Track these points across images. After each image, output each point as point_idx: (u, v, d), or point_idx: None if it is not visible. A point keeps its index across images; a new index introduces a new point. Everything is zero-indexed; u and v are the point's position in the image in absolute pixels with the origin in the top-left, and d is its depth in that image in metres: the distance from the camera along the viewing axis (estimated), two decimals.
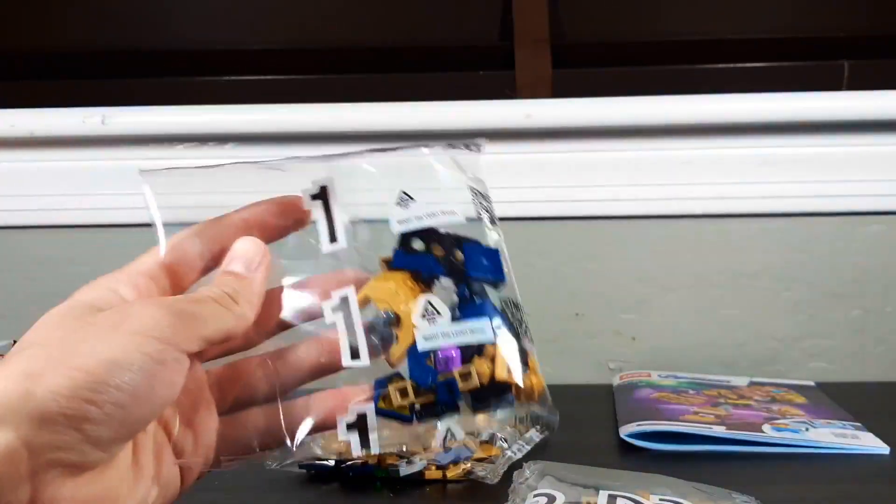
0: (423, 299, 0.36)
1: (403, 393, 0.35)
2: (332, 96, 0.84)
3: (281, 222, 0.38)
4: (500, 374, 0.35)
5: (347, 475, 0.51)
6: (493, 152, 0.88)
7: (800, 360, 0.83)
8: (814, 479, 0.52)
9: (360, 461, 0.51)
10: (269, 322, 0.37)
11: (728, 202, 0.82)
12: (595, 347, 0.84)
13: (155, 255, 0.36)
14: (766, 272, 0.83)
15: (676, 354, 0.83)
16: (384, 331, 0.36)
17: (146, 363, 0.30)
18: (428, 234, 0.38)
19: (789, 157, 0.81)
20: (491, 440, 0.52)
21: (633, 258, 0.83)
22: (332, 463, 0.51)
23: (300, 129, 0.81)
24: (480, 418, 0.54)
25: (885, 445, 0.56)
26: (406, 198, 0.38)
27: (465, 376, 0.35)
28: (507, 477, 0.45)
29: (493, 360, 0.35)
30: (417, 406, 0.35)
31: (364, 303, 0.37)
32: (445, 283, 0.37)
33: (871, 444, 0.57)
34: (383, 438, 0.35)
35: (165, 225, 0.37)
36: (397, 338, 0.36)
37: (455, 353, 0.36)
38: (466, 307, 0.36)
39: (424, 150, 0.38)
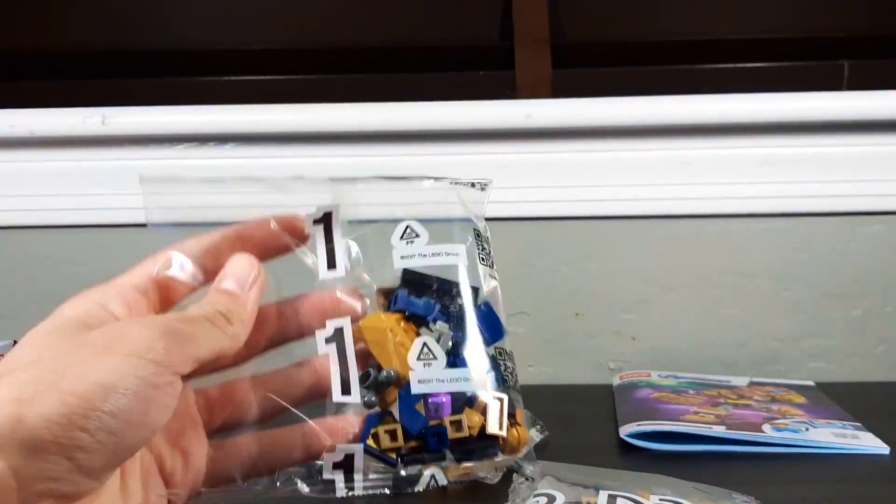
0: (420, 342, 0.35)
1: (393, 436, 0.35)
2: (332, 96, 0.84)
3: (278, 241, 0.37)
4: (491, 428, 0.35)
5: None
6: (493, 152, 0.88)
7: (800, 360, 0.83)
8: (814, 479, 0.52)
9: None
10: (260, 341, 0.36)
11: (728, 202, 0.82)
12: (595, 347, 0.84)
13: (146, 269, 0.35)
14: (766, 272, 0.83)
15: (676, 354, 0.83)
16: (381, 384, 0.36)
17: (140, 387, 0.29)
18: (431, 280, 0.37)
19: (789, 157, 0.81)
20: None
21: (633, 258, 0.83)
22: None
23: (300, 129, 0.81)
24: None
25: (885, 445, 0.56)
26: (411, 233, 0.37)
27: (456, 425, 0.35)
28: (507, 477, 0.45)
29: (483, 411, 0.35)
30: (404, 451, 0.34)
31: (357, 339, 0.36)
32: (441, 326, 0.36)
33: (871, 444, 0.57)
34: (367, 480, 0.35)
35: (161, 231, 0.36)
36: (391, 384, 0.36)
37: (446, 400, 0.35)
38: (460, 357, 0.36)
39: (428, 182, 0.38)
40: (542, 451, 0.55)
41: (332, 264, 0.36)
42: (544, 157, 0.82)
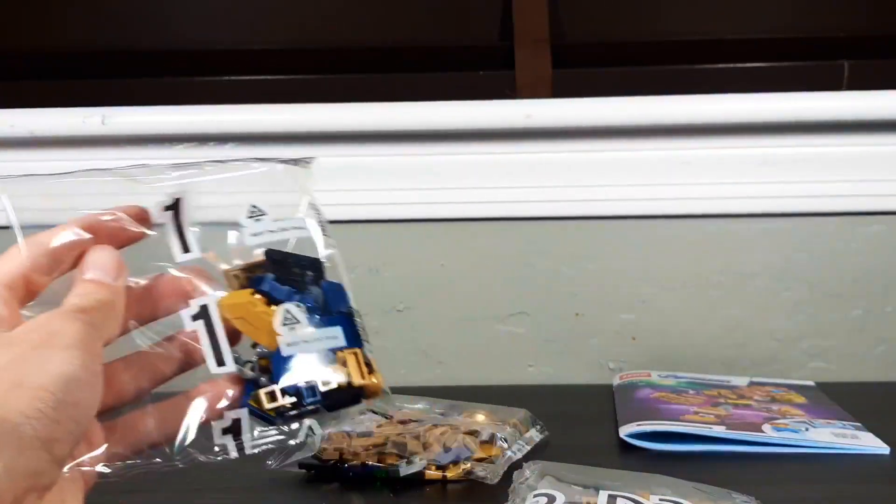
0: (282, 308, 0.38)
1: (272, 396, 0.38)
2: (332, 96, 0.84)
3: (128, 231, 0.38)
4: (355, 379, 0.38)
5: (347, 475, 0.51)
6: (493, 152, 0.89)
7: (800, 360, 0.83)
8: (814, 479, 0.52)
9: (359, 462, 0.51)
10: (125, 325, 0.38)
11: (728, 202, 0.82)
12: (595, 347, 0.84)
13: (12, 264, 0.36)
14: (766, 272, 0.83)
15: (676, 354, 0.83)
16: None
17: (87, 376, 0.31)
18: (290, 260, 0.40)
19: (789, 157, 0.81)
20: (491, 440, 0.52)
21: (633, 258, 0.83)
22: (331, 463, 0.51)
23: (300, 129, 0.81)
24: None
25: (885, 445, 0.56)
26: (257, 211, 0.39)
27: (326, 381, 0.38)
28: (507, 477, 0.45)
29: (344, 364, 0.38)
30: (283, 408, 0.38)
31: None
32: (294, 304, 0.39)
33: (871, 444, 0.57)
34: (254, 440, 0.38)
35: (24, 229, 0.37)
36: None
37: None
38: (319, 317, 0.39)
39: (256, 164, 0.40)
40: (542, 451, 0.55)
41: (186, 248, 0.39)
42: (544, 157, 0.82)
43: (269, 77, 0.97)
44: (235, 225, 0.39)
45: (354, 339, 0.39)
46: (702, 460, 0.55)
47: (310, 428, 0.38)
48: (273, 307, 0.39)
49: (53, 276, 0.37)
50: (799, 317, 0.83)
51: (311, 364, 0.38)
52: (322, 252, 0.40)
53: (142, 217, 0.38)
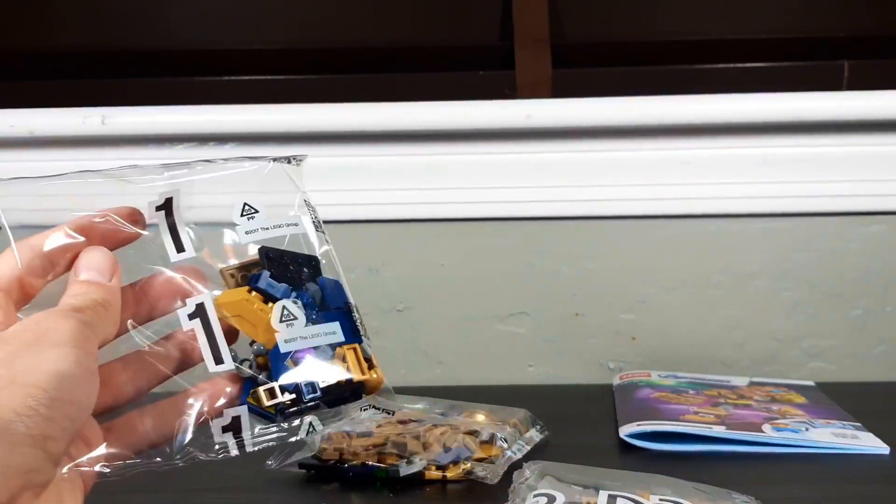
0: (279, 305, 0.38)
1: (271, 394, 0.38)
2: (332, 96, 0.84)
3: (121, 232, 0.38)
4: (355, 374, 0.38)
5: (347, 475, 0.51)
6: (493, 152, 0.89)
7: (800, 360, 0.83)
8: (814, 479, 0.52)
9: (359, 462, 0.51)
10: (122, 325, 0.38)
11: (728, 202, 0.82)
12: (595, 347, 0.84)
13: (7, 267, 0.36)
14: (766, 272, 0.83)
15: (676, 354, 0.83)
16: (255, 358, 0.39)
17: (82, 373, 0.31)
18: (286, 257, 0.40)
19: (789, 157, 0.81)
20: (491, 440, 0.52)
21: (633, 258, 0.83)
22: (331, 463, 0.51)
23: (300, 129, 0.81)
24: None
25: (885, 445, 0.56)
26: (250, 209, 0.40)
27: (325, 377, 0.38)
28: (507, 477, 0.45)
29: (343, 359, 0.38)
30: (282, 405, 0.38)
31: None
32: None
33: (871, 444, 0.57)
34: (255, 437, 0.38)
35: (16, 229, 0.37)
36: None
37: (311, 354, 0.39)
38: (317, 313, 0.39)
39: (247, 163, 0.40)
40: (542, 451, 0.55)
41: (180, 248, 0.39)
42: (544, 157, 0.82)
43: (269, 77, 0.97)
44: (229, 224, 0.39)
45: (353, 334, 0.39)
46: (702, 460, 0.55)
47: (311, 424, 0.38)
48: (270, 305, 0.39)
49: (48, 279, 0.37)
50: (799, 317, 0.83)
51: (310, 360, 0.38)
52: (317, 249, 0.41)
53: (134, 218, 0.38)
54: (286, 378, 0.38)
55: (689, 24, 0.96)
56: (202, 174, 0.39)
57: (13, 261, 0.36)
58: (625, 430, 0.58)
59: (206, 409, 0.37)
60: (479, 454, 0.51)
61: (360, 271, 0.83)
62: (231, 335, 0.38)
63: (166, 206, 0.39)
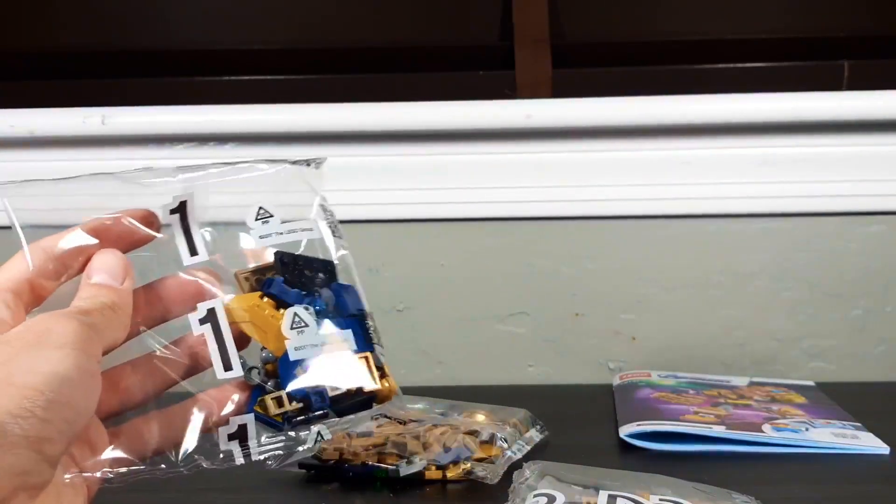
0: (291, 311, 0.38)
1: (279, 402, 0.37)
2: (332, 96, 0.84)
3: (135, 234, 0.38)
4: (367, 385, 0.37)
5: (347, 475, 0.51)
6: (493, 152, 0.88)
7: (800, 360, 0.83)
8: (814, 479, 0.52)
9: (359, 462, 0.51)
10: (133, 328, 0.37)
11: (728, 202, 0.82)
12: (595, 347, 0.84)
13: (18, 269, 0.36)
14: (766, 272, 0.83)
15: (676, 354, 0.83)
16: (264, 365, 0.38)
17: (81, 376, 0.31)
18: (300, 262, 0.39)
19: (789, 157, 0.81)
20: (491, 440, 0.52)
21: (633, 258, 0.83)
22: (331, 463, 0.51)
23: (300, 129, 0.81)
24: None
25: (885, 445, 0.56)
26: (265, 213, 0.39)
27: (335, 386, 0.37)
28: (507, 477, 0.45)
29: (355, 368, 0.38)
30: (290, 414, 0.37)
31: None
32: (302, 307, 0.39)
33: (871, 444, 0.57)
34: (261, 446, 0.37)
35: (28, 229, 0.37)
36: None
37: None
38: (329, 320, 0.39)
39: (263, 165, 0.40)
40: (542, 451, 0.55)
41: (193, 251, 0.38)
42: (544, 157, 0.82)
43: (269, 77, 0.96)
44: (244, 227, 0.39)
45: (366, 342, 0.38)
46: (702, 460, 0.55)
47: (318, 434, 0.37)
48: (282, 311, 0.38)
49: (60, 281, 0.37)
50: (799, 317, 0.83)
51: (320, 369, 0.37)
52: (334, 253, 0.40)
53: (149, 220, 0.38)
54: (294, 386, 0.37)
55: (689, 24, 0.96)
56: (217, 177, 0.39)
57: (24, 263, 0.36)
58: (625, 430, 0.58)
59: (212, 416, 0.37)
60: (479, 454, 0.51)
61: (361, 271, 0.83)
62: (242, 341, 0.38)
63: (180, 209, 0.39)
